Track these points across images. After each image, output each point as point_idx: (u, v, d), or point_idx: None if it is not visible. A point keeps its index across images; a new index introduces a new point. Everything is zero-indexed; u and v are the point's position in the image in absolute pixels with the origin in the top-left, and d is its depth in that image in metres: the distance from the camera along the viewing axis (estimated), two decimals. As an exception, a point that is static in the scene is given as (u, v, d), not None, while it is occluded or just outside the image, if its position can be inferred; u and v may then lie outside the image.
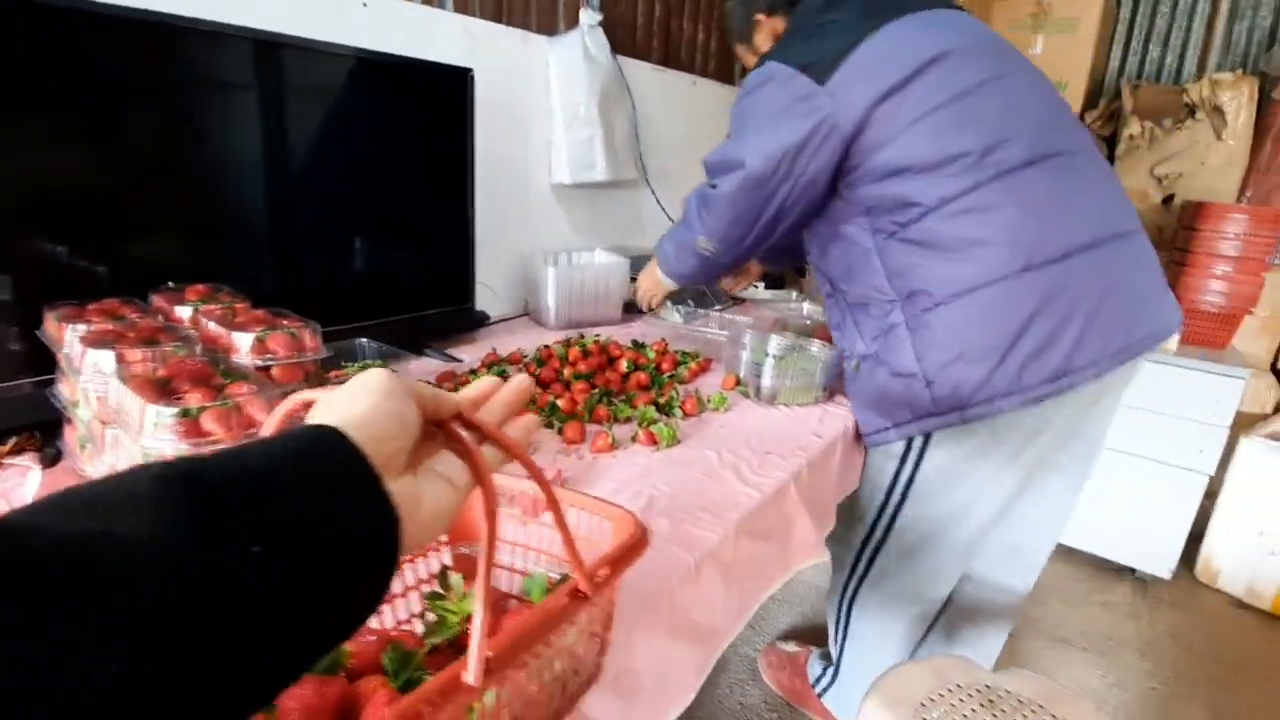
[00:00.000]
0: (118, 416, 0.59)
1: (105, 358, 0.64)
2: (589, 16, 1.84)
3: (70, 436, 0.85)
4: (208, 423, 0.56)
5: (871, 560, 1.30)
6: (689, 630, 0.76)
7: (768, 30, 1.31)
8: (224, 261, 1.18)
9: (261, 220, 1.22)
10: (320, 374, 0.82)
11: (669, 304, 1.71)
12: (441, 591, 0.56)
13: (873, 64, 1.02)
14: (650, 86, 2.15)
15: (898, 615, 1.33)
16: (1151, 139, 2.61)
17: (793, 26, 1.20)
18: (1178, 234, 2.22)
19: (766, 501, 0.91)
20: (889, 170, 1.04)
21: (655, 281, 1.51)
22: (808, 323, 1.65)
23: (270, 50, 1.15)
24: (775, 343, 1.26)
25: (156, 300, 0.90)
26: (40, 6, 0.90)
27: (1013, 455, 1.13)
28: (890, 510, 1.23)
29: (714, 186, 1.17)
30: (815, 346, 1.28)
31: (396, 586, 0.59)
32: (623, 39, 2.04)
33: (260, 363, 0.74)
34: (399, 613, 0.59)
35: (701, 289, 1.88)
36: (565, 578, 0.57)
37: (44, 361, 0.90)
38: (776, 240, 1.20)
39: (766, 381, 1.23)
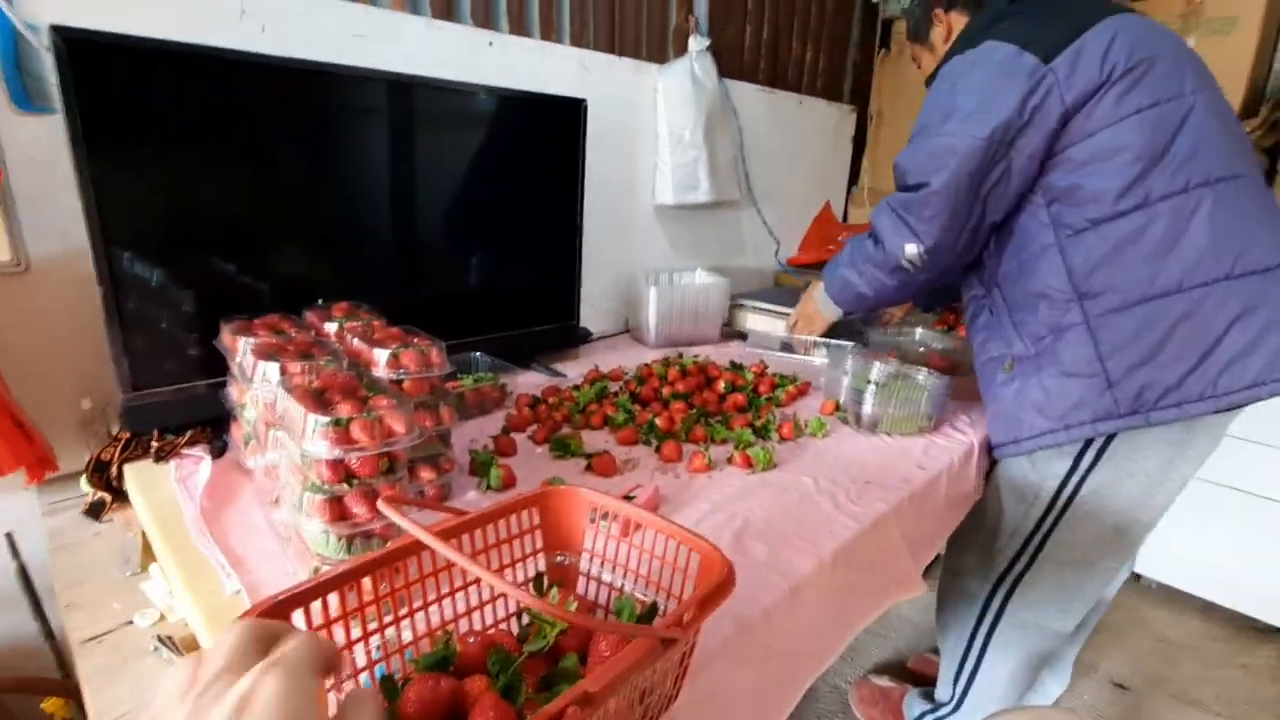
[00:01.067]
0: (283, 421, 0.68)
1: (272, 369, 0.73)
2: (697, 43, 1.89)
3: (236, 433, 0.98)
4: (355, 431, 0.64)
5: (1016, 583, 1.24)
6: (780, 657, 0.76)
7: (944, 27, 1.29)
8: (359, 278, 1.31)
9: (391, 242, 1.34)
10: (444, 388, 0.89)
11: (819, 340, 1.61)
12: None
13: (1096, 51, 1.01)
14: (756, 107, 2.17)
15: (1037, 643, 1.28)
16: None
17: (995, 14, 1.14)
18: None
19: (864, 533, 0.90)
20: (1096, 157, 1.02)
21: (815, 313, 1.46)
22: (921, 350, 1.59)
23: (404, 90, 1.28)
24: (878, 369, 1.23)
25: (309, 316, 1.02)
26: (214, 59, 1.05)
27: (1184, 461, 1.11)
28: (1050, 521, 1.18)
29: (919, 186, 1.10)
30: (922, 374, 1.24)
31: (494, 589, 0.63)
32: (730, 62, 2.07)
33: (394, 376, 0.82)
34: (498, 612, 0.64)
35: (854, 324, 1.76)
36: (653, 605, 0.60)
37: (215, 366, 1.04)
38: (982, 241, 1.16)
39: (868, 409, 1.21)
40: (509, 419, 1.20)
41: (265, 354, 0.78)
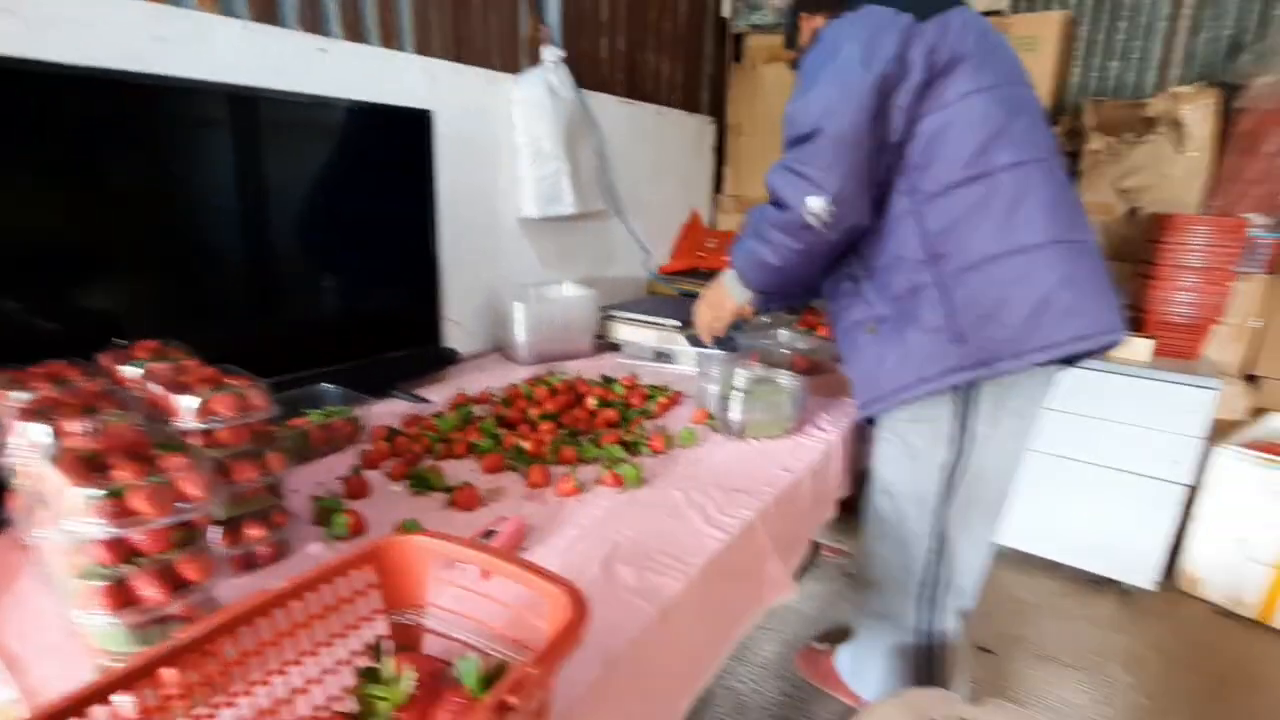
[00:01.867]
0: (45, 496, 0.57)
1: (40, 431, 0.62)
2: (551, 53, 1.86)
3: (15, 503, 0.83)
4: (136, 502, 0.54)
5: (940, 548, 1.26)
6: (655, 686, 0.74)
7: (809, 30, 1.30)
8: (182, 310, 1.16)
9: (221, 267, 1.20)
10: (269, 434, 0.80)
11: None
12: (375, 665, 0.53)
13: (957, 25, 1.08)
14: (617, 118, 2.17)
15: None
16: (1113, 154, 2.66)
17: None
18: (1142, 246, 2.25)
19: (733, 544, 0.90)
20: (949, 125, 1.08)
21: (722, 298, 1.34)
22: (784, 352, 1.65)
23: (233, 102, 1.15)
24: (742, 375, 1.25)
25: (103, 360, 0.88)
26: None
27: (1025, 408, 1.21)
28: (956, 463, 1.21)
29: (811, 135, 1.06)
30: (784, 378, 1.28)
31: (327, 661, 0.56)
32: (588, 73, 2.06)
33: (204, 426, 0.72)
34: (331, 689, 0.57)
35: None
36: (502, 664, 0.55)
37: (-12, 426, 0.88)
38: (878, 199, 1.15)
39: (735, 416, 1.23)
40: (362, 455, 1.11)
41: (35, 412, 0.65)
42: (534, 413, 1.26)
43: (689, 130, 2.61)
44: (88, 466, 0.56)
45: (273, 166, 1.24)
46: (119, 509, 0.54)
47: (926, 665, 1.33)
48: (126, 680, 0.47)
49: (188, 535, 0.58)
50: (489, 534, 0.86)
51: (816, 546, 2.31)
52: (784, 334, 1.86)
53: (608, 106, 2.12)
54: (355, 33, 1.48)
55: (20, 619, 0.71)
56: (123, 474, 0.55)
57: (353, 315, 1.43)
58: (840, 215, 1.08)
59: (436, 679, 0.55)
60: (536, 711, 0.51)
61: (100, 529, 0.53)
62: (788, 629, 1.97)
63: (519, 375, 1.54)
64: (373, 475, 1.06)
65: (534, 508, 0.98)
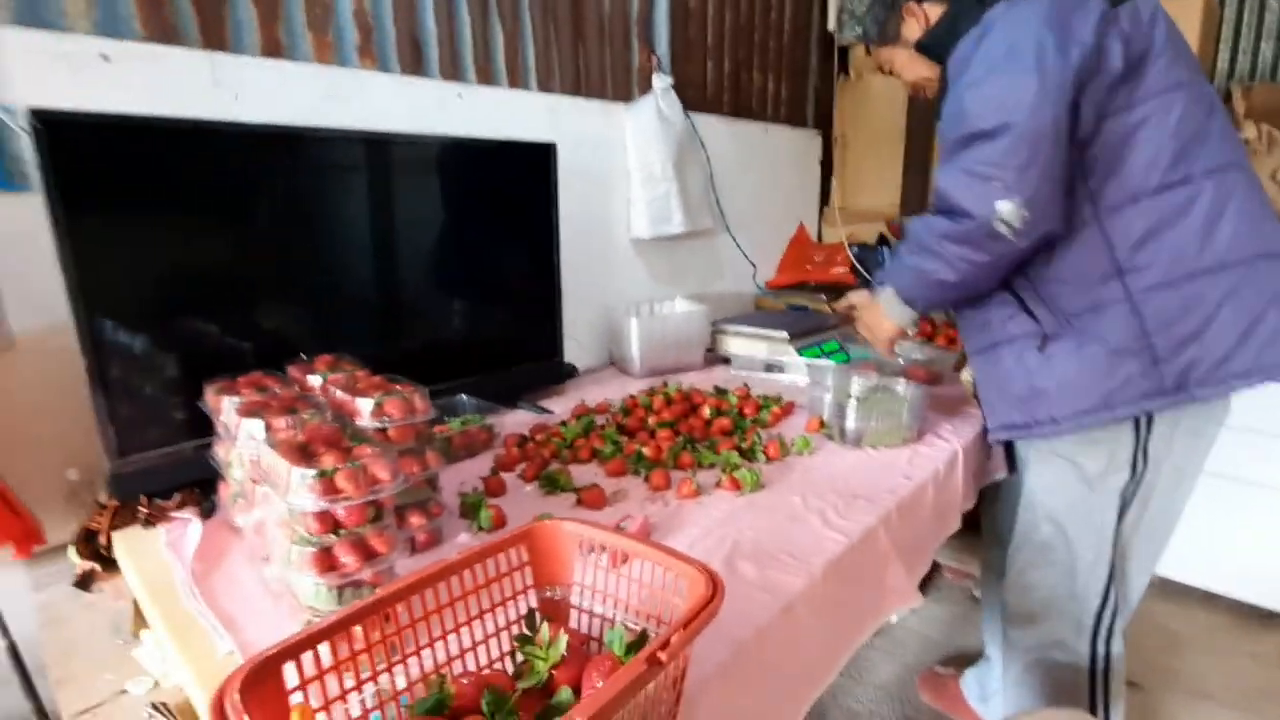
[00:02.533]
0: (268, 476, 0.69)
1: (256, 426, 0.74)
2: (661, 80, 1.95)
3: (224, 492, 0.98)
4: (340, 481, 0.65)
5: (1113, 573, 1.17)
6: (777, 677, 0.77)
7: (918, 19, 1.21)
8: (342, 331, 1.32)
9: (372, 294, 1.36)
10: (429, 433, 0.90)
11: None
12: (529, 635, 0.60)
13: (1145, 15, 0.98)
14: (723, 138, 2.23)
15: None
16: (1270, 142, 2.40)
17: None
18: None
19: (854, 546, 0.91)
20: (1139, 127, 0.98)
21: (881, 321, 1.24)
22: (900, 362, 1.62)
23: (377, 146, 1.31)
24: (858, 383, 1.25)
25: (292, 371, 1.03)
26: (187, 130, 1.08)
27: (1203, 427, 1.12)
28: (1134, 488, 1.12)
29: (996, 132, 0.94)
30: (901, 386, 1.27)
31: (486, 629, 0.64)
32: (694, 96, 2.14)
33: (378, 425, 0.83)
34: (492, 651, 0.64)
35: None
36: (643, 633, 0.61)
37: (201, 427, 1.05)
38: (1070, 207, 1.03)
39: (851, 424, 1.23)
40: (497, 459, 1.21)
41: (249, 411, 0.79)
42: (652, 421, 1.32)
43: (795, 145, 2.62)
44: (301, 453, 0.67)
45: (416, 202, 1.39)
46: (327, 488, 0.64)
47: (1089, 692, 1.23)
48: (328, 633, 0.56)
49: (377, 513, 0.68)
50: (618, 529, 0.92)
51: (938, 567, 2.21)
52: (899, 344, 1.81)
53: (714, 126, 2.19)
54: (486, 76, 1.64)
55: (232, 587, 0.85)
56: (328, 459, 0.66)
57: (483, 333, 1.56)
58: (1034, 221, 0.96)
59: (584, 647, 0.61)
60: (676, 678, 0.56)
61: (315, 503, 0.63)
62: (908, 652, 1.90)
63: (634, 388, 1.62)
64: (508, 477, 1.16)
65: (656, 509, 1.03)
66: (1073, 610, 1.19)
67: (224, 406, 0.85)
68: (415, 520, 0.88)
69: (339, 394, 0.87)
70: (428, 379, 1.39)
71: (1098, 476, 1.12)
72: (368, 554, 0.67)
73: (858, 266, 2.47)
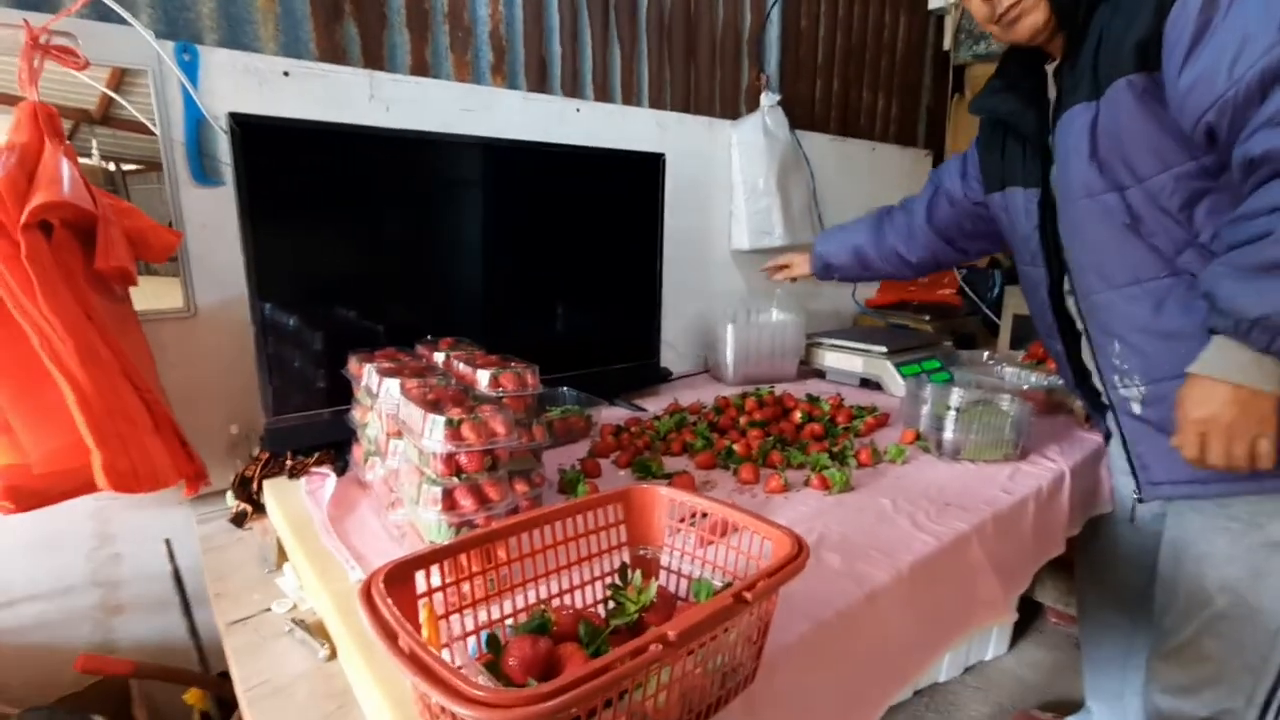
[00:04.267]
0: (405, 425, 0.78)
1: (394, 384, 0.85)
2: (768, 98, 2.00)
3: (357, 453, 1.11)
4: (465, 431, 0.73)
5: None
6: (858, 663, 0.78)
7: None
8: (458, 321, 1.43)
9: (488, 289, 1.48)
10: (537, 408, 0.99)
11: None
12: (621, 585, 0.65)
13: None
14: (828, 155, 2.24)
15: None
16: None
17: None
18: None
19: (944, 549, 0.90)
20: None
21: (1254, 396, 0.80)
22: (1008, 391, 1.53)
23: (503, 153, 1.44)
24: (958, 395, 1.23)
25: (420, 349, 1.15)
26: (348, 135, 1.24)
27: None
28: None
29: None
30: (1006, 400, 1.23)
31: (585, 574, 0.69)
32: (801, 114, 2.17)
33: (495, 394, 0.92)
34: (587, 598, 0.69)
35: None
36: (728, 584, 0.64)
37: (338, 397, 1.20)
38: None
39: (949, 435, 1.21)
40: (594, 445, 1.28)
41: (388, 373, 0.90)
42: (743, 421, 1.35)
43: (903, 164, 2.59)
44: (433, 406, 0.76)
45: (532, 206, 1.50)
46: (454, 435, 0.73)
47: None
48: (449, 551, 0.63)
49: (493, 462, 0.76)
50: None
51: (1042, 609, 2.08)
52: (1009, 370, 1.74)
53: (820, 144, 2.21)
54: (603, 94, 1.75)
55: (362, 531, 0.96)
56: (455, 411, 0.75)
57: (586, 331, 1.65)
58: None
59: (672, 598, 0.65)
60: (759, 627, 0.59)
61: (444, 445, 0.72)
62: (1001, 693, 1.80)
63: (726, 394, 1.65)
64: (603, 462, 1.22)
65: (744, 500, 1.06)
66: (1246, 682, 1.03)
67: (365, 372, 0.96)
68: (520, 487, 0.96)
69: (461, 366, 0.97)
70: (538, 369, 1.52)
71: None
72: (482, 499, 0.75)
73: (965, 289, 2.39)
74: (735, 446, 1.22)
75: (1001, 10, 0.97)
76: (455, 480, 0.74)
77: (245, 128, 1.08)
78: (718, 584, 0.67)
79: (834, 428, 1.36)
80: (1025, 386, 1.50)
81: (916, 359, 1.76)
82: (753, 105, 2.05)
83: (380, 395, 0.87)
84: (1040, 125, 1.06)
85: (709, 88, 1.97)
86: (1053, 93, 1.05)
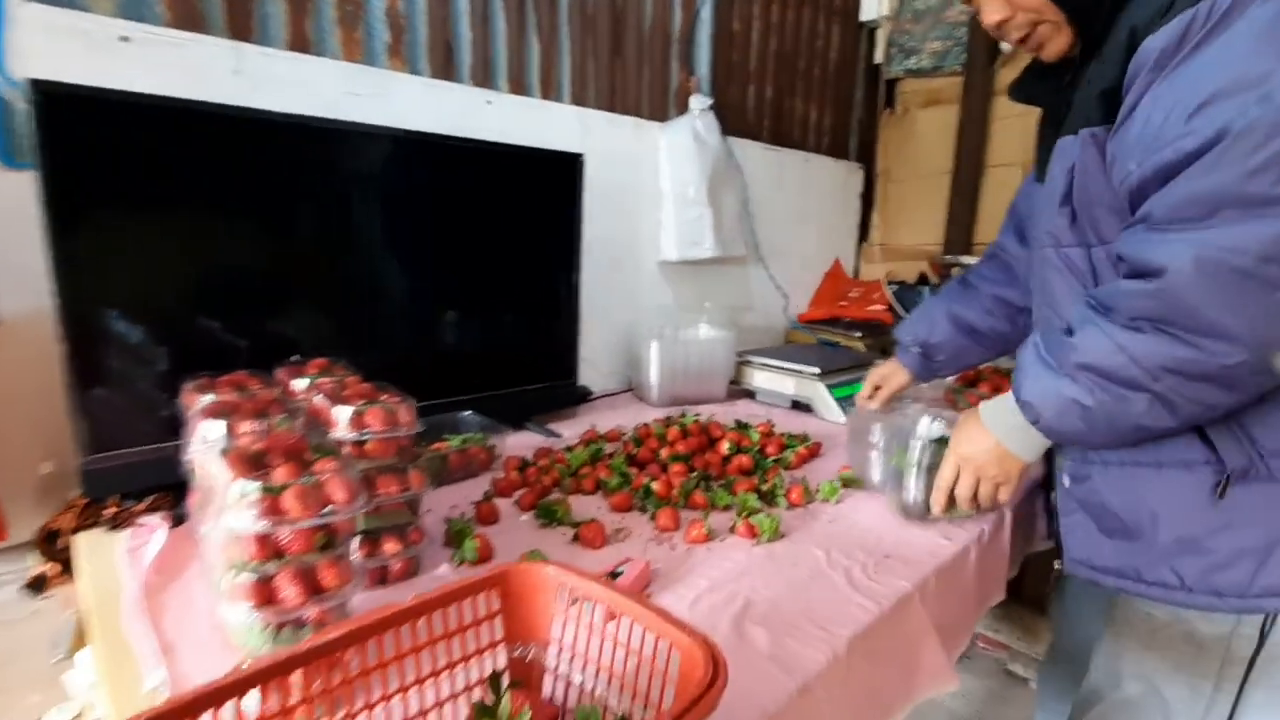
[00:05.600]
0: (208, 489, 0.60)
1: (213, 428, 0.67)
2: (699, 101, 1.89)
3: (193, 499, 0.90)
4: (288, 500, 0.56)
5: None
6: (788, 768, 0.65)
7: None
8: (346, 336, 1.25)
9: (382, 299, 1.29)
10: (413, 451, 0.82)
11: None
12: (489, 707, 0.50)
13: None
14: (762, 164, 2.15)
15: None
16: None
17: None
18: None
19: (885, 616, 0.79)
20: None
21: (1000, 457, 0.90)
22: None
23: (396, 144, 1.26)
24: (920, 446, 0.99)
25: (280, 373, 0.96)
26: (196, 114, 1.03)
27: None
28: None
29: None
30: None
31: (445, 689, 0.54)
32: (734, 120, 2.07)
33: (356, 437, 0.75)
34: (449, 716, 0.54)
35: None
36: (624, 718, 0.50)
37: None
38: None
39: (913, 496, 1.00)
40: (495, 483, 1.12)
41: (215, 412, 0.71)
42: (665, 454, 1.22)
43: (835, 177, 2.54)
44: (252, 464, 0.59)
45: (432, 205, 1.32)
46: (272, 506, 0.56)
47: None
48: (257, 679, 0.47)
49: (329, 539, 0.59)
50: (614, 574, 0.82)
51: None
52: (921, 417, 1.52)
53: (752, 153, 2.11)
54: (519, 86, 1.59)
55: (180, 608, 0.76)
56: (280, 473, 0.58)
57: (495, 348, 1.48)
58: None
59: (555, 716, 0.50)
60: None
61: (253, 523, 0.55)
62: (933, 727, 1.73)
63: (649, 416, 1.51)
64: (503, 503, 1.06)
65: (661, 552, 0.93)
66: None
67: (192, 407, 0.77)
68: (390, 546, 0.79)
69: (319, 400, 0.79)
70: (432, 392, 1.34)
71: (1218, 639, 0.87)
72: (314, 587, 0.58)
73: (895, 305, 2.35)
74: (655, 485, 1.08)
75: (1015, 41, 0.88)
76: (272, 566, 0.57)
77: (50, 99, 0.87)
78: (613, 703, 0.52)
79: (764, 460, 1.25)
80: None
81: (849, 380, 1.68)
82: (682, 108, 1.93)
83: (194, 440, 0.68)
84: (1054, 107, 0.93)
85: (636, 87, 1.84)
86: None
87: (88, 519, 0.95)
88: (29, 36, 0.98)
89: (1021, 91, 1.00)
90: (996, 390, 1.64)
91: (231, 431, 0.67)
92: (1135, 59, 0.71)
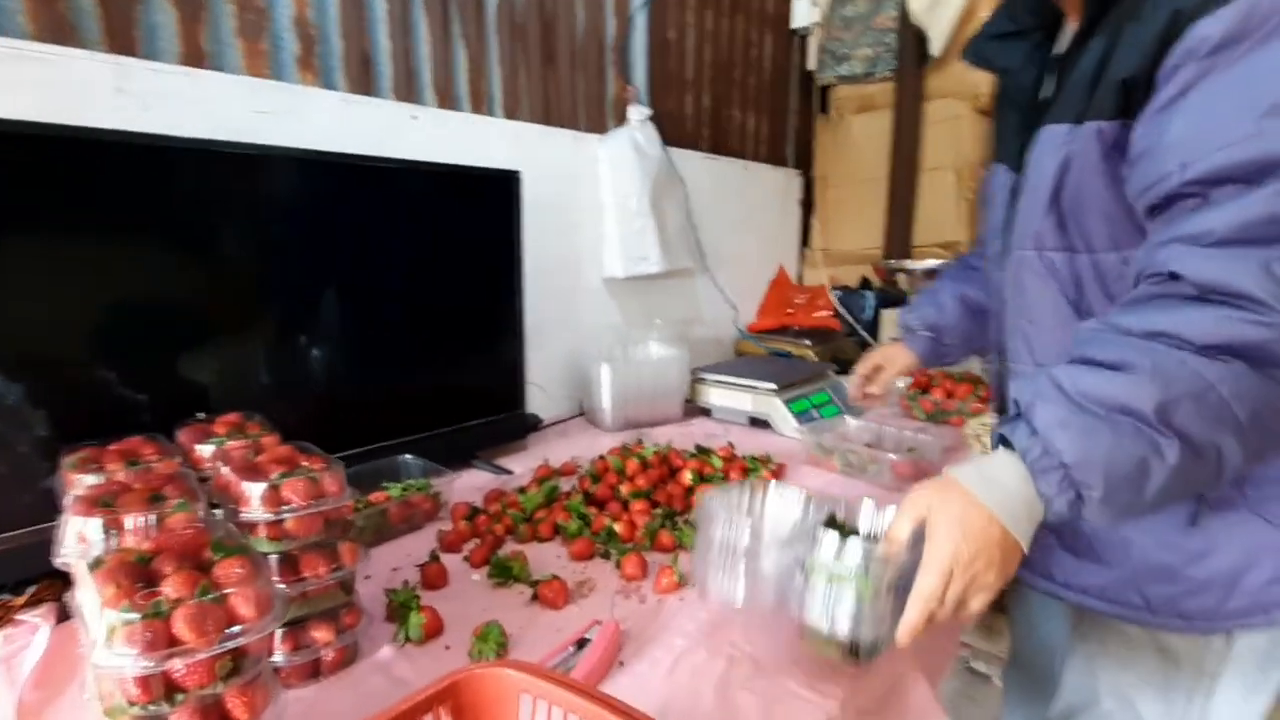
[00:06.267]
0: (81, 611, 0.49)
1: (91, 527, 0.55)
2: (638, 112, 1.83)
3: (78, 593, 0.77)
4: (178, 625, 0.46)
5: None
6: None
7: None
8: (262, 383, 1.12)
9: (306, 337, 1.17)
10: (343, 522, 0.71)
11: None
12: None
13: None
14: (703, 174, 2.11)
15: None
16: None
17: None
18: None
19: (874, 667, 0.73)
20: None
21: (984, 550, 0.62)
22: (874, 459, 1.28)
23: (311, 168, 1.14)
24: (851, 600, 0.64)
25: (182, 436, 0.83)
26: (64, 140, 0.90)
27: None
28: None
29: None
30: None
31: None
32: (673, 130, 2.02)
33: (272, 517, 0.64)
34: None
35: None
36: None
37: (69, 504, 0.85)
38: None
39: (866, 635, 0.64)
40: (441, 537, 1.02)
41: (92, 503, 0.59)
42: (625, 490, 1.14)
43: (775, 184, 2.52)
44: (133, 575, 0.48)
45: (357, 232, 1.21)
46: (159, 635, 0.45)
47: None
48: None
49: (236, 664, 0.49)
50: (582, 643, 0.74)
51: (932, 637, 2.04)
52: (883, 428, 1.41)
53: (693, 162, 2.07)
54: (447, 100, 1.49)
55: (70, 730, 0.64)
56: (170, 584, 0.47)
57: (435, 382, 1.37)
58: None
59: None
60: None
61: (132, 662, 0.44)
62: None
63: (605, 443, 1.44)
64: (452, 560, 0.96)
65: (630, 606, 0.85)
66: None
67: (66, 496, 0.65)
68: (321, 634, 0.69)
69: (225, 473, 0.68)
70: (368, 436, 1.22)
71: (1189, 652, 0.84)
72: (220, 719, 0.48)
73: (841, 310, 2.35)
74: (617, 527, 1.01)
75: None
76: (163, 707, 0.46)
77: None
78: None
79: (728, 488, 1.19)
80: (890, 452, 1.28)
81: (805, 393, 1.65)
82: (620, 119, 1.87)
83: (66, 542, 0.57)
84: (1034, 95, 0.84)
85: (570, 98, 1.76)
86: (1049, 89, 0.82)
87: (-50, 622, 0.80)
88: None
89: (977, 54, 0.93)
90: (950, 395, 1.63)
91: (112, 528, 0.56)
92: (1181, 45, 0.62)
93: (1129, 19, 0.68)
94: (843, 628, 0.64)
